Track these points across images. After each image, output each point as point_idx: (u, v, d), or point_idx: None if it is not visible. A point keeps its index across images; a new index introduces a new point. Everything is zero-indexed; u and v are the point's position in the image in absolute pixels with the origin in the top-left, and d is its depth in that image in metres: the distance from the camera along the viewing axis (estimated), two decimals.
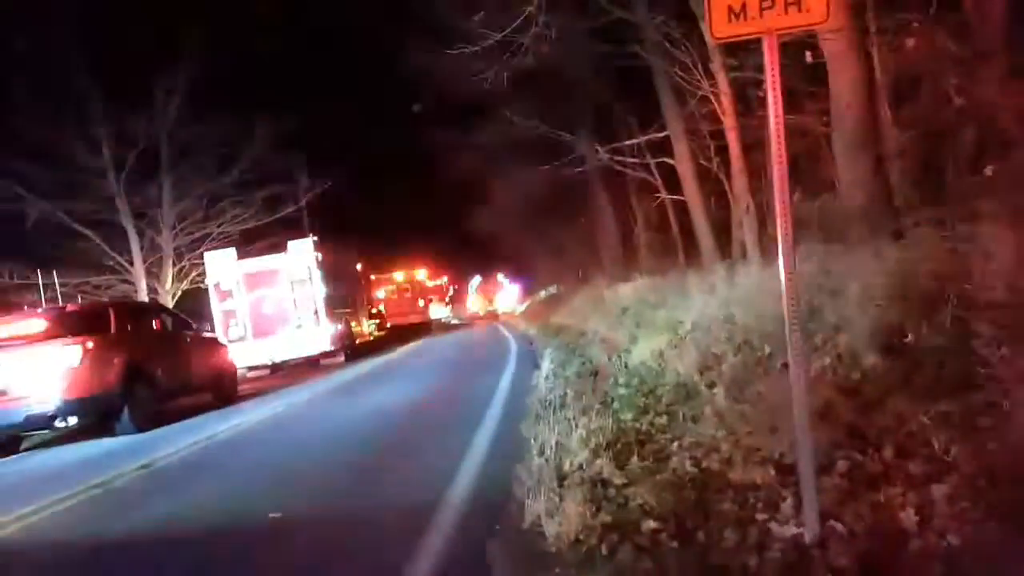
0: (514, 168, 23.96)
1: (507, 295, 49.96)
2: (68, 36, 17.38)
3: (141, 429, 9.14)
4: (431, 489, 4.79)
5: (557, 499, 4.05)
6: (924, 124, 6.94)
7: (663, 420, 5.76)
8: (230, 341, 16.84)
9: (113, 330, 9.38)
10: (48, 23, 16.71)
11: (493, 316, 43.59)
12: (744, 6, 2.96)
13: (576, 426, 5.87)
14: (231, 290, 17.05)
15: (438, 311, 41.78)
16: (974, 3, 6.69)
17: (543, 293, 39.24)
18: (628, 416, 6.12)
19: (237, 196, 21.01)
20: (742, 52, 12.71)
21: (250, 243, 20.19)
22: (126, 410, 9.08)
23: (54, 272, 16.90)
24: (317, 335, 17.34)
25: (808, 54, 8.84)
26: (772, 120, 3.08)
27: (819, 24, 2.98)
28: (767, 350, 6.16)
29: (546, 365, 11.12)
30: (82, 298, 17.88)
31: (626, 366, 9.03)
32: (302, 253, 17.55)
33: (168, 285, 21.34)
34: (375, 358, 18.68)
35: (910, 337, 4.42)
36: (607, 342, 12.48)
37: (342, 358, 18.45)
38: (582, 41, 14.65)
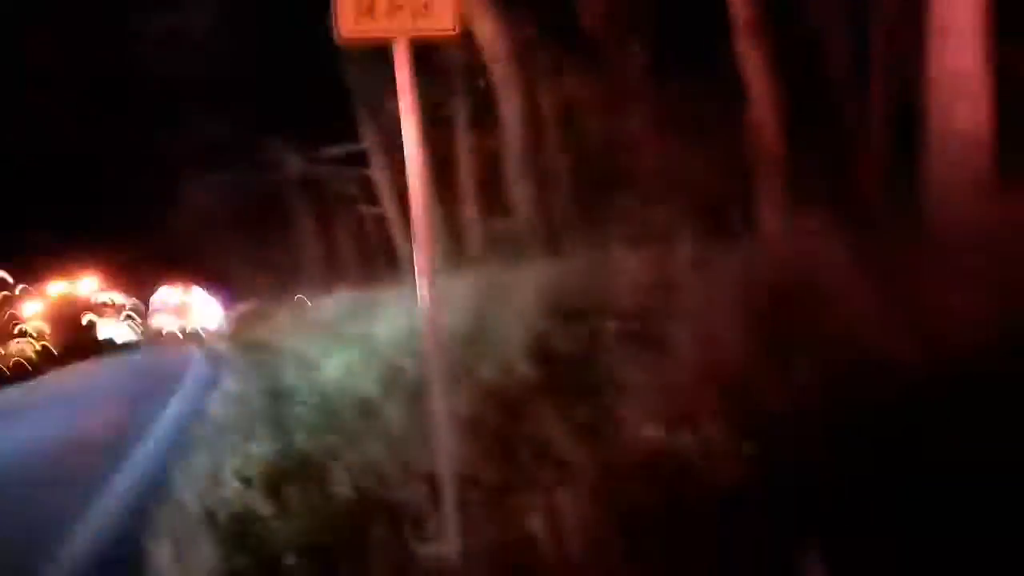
0: (209, 174, 22.09)
1: (204, 310, 45.85)
2: None
3: None
4: (39, 553, 3.96)
5: (190, 544, 3.58)
6: (578, 153, 7.68)
7: (335, 439, 5.52)
8: None
9: None
10: None
11: (185, 333, 39.68)
12: (373, 5, 2.85)
13: (236, 454, 5.40)
14: None
15: (115, 328, 36.78)
16: (616, 54, 7.57)
17: (246, 307, 36.70)
18: (301, 438, 5.78)
19: None
20: (430, 74, 13.11)
21: None
22: None
23: None
24: None
25: (482, 81, 9.32)
26: (407, 131, 3.02)
27: (447, 32, 2.99)
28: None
29: (227, 385, 10.26)
30: None
31: (313, 383, 8.66)
32: None
33: None
34: (18, 385, 15.73)
35: (558, 347, 4.72)
36: (302, 358, 11.91)
37: None
38: (271, 44, 13.95)
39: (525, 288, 5.97)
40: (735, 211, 5.26)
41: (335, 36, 2.93)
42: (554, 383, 4.25)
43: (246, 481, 4.52)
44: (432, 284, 3.08)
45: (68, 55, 15.32)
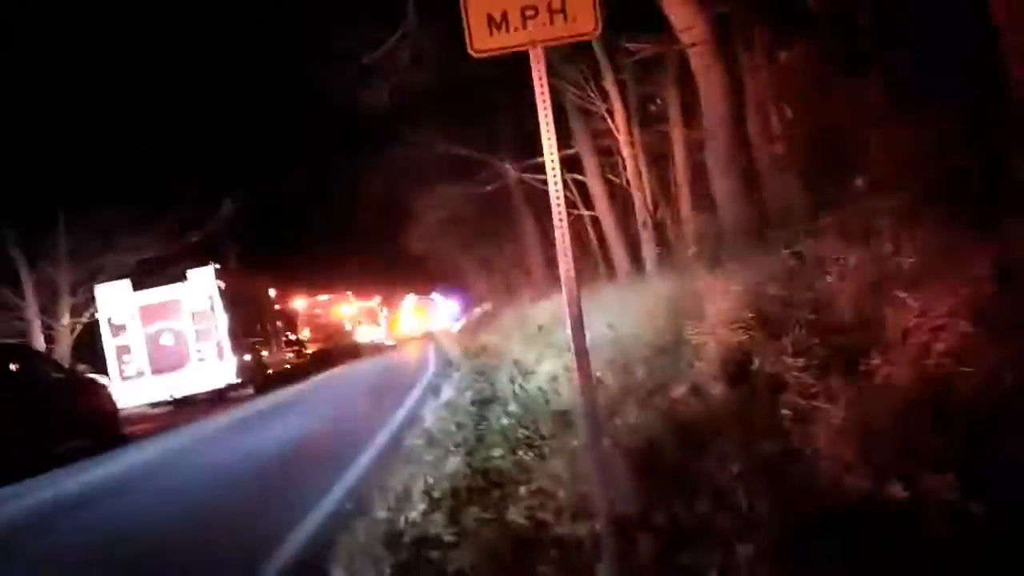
0: (438, 185, 23.63)
1: (443, 313, 49.31)
2: None
3: None
4: (254, 556, 4.32)
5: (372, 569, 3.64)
6: (790, 139, 6.83)
7: (528, 457, 5.41)
8: (125, 378, 15.92)
9: None
10: None
11: (428, 336, 42.88)
12: (505, 16, 2.65)
13: (434, 469, 5.52)
14: (125, 324, 16.07)
15: (369, 333, 40.78)
16: (831, 23, 6.59)
17: (478, 310, 38.80)
18: (498, 452, 5.76)
19: (137, 224, 19.79)
20: (639, 67, 12.66)
21: (155, 271, 19.08)
22: None
23: None
24: (221, 368, 16.49)
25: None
26: (545, 143, 2.76)
27: (587, 35, 2.71)
28: (640, 376, 5.90)
29: (446, 392, 10.71)
30: None
31: (521, 391, 8.71)
32: (202, 282, 16.70)
33: (65, 321, 20.08)
34: (285, 389, 17.91)
35: (756, 364, 4.15)
36: (518, 363, 12.14)
37: (250, 390, 17.61)
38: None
39: (725, 293, 5.39)
40: (984, 194, 4.27)
41: (468, 49, 2.77)
42: (748, 410, 3.71)
43: (435, 501, 4.54)
44: (575, 300, 2.80)
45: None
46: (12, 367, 9.96)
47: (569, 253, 2.84)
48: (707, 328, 5.12)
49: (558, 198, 2.87)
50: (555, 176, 2.85)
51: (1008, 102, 4.67)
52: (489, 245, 33.01)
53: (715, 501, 2.97)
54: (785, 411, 3.38)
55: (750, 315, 4.66)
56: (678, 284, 7.64)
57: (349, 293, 37.72)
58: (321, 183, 27.41)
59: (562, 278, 2.83)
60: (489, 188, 20.28)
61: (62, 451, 10.23)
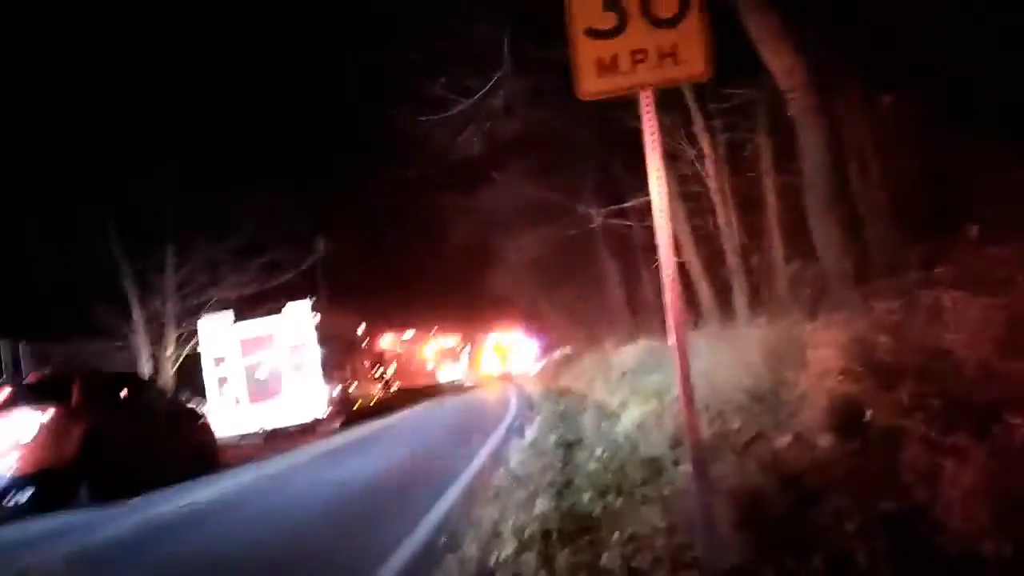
0: (521, 228, 23.92)
1: (523, 355, 49.31)
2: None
3: (100, 503, 8.79)
4: None
5: None
6: (896, 186, 6.58)
7: (619, 503, 5.30)
8: (223, 407, 16.62)
9: (74, 401, 9.13)
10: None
11: (507, 377, 42.90)
12: (615, 59, 2.69)
13: (523, 509, 5.47)
14: (225, 356, 16.84)
15: (451, 372, 41.19)
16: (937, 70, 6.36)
17: (558, 353, 38.63)
18: (586, 497, 5.68)
19: (237, 262, 20.90)
20: (730, 113, 12.57)
21: (253, 305, 20.03)
22: (85, 484, 8.75)
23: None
24: (312, 401, 17.01)
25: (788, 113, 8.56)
26: (654, 185, 2.77)
27: (698, 77, 2.71)
28: (736, 424, 5.73)
29: (530, 434, 10.67)
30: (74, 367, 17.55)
31: (607, 436, 8.59)
32: (298, 316, 17.37)
33: (170, 351, 21.20)
34: (371, 423, 18.28)
35: (868, 416, 3.97)
36: (602, 408, 12.02)
37: (338, 424, 18.05)
38: (566, 104, 14.61)
39: (827, 343, 5.20)
40: None
41: (576, 93, 2.83)
42: (863, 463, 3.54)
43: (526, 542, 4.50)
44: (684, 343, 2.76)
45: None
46: (128, 394, 10.63)
47: (678, 299, 2.81)
48: (811, 377, 4.93)
49: (667, 240, 2.86)
50: (663, 219, 2.85)
51: None
52: (570, 288, 33.01)
53: (831, 559, 2.82)
54: (906, 467, 3.21)
55: (859, 366, 4.47)
56: (774, 332, 7.42)
57: (433, 330, 38.38)
58: (408, 222, 28.24)
59: (671, 326, 2.80)
60: (572, 232, 20.39)
61: (169, 475, 10.76)
